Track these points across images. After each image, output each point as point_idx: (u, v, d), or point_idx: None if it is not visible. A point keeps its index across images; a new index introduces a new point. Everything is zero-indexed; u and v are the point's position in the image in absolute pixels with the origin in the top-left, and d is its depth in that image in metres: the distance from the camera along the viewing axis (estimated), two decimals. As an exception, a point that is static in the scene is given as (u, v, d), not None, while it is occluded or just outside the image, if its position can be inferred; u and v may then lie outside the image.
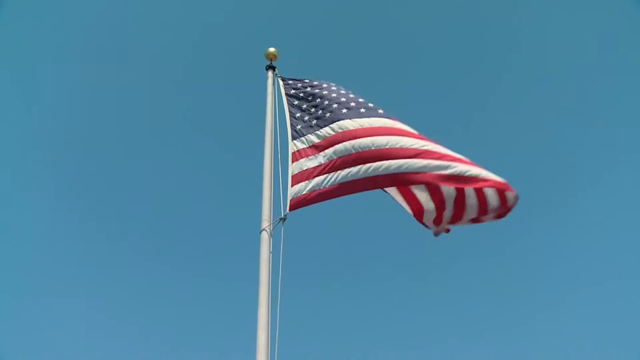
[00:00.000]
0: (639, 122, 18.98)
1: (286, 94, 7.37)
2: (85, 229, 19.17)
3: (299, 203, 6.15)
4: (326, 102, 6.97)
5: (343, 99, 6.93)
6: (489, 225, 6.35)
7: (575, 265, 19.15)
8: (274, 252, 5.89)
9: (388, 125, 6.42)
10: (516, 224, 20.59)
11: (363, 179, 6.14)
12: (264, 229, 5.99)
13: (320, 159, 6.45)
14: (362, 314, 18.46)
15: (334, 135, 6.55)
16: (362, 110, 6.70)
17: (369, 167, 6.13)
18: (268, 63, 7.73)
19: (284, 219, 6.04)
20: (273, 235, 6.00)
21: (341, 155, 6.35)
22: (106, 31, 20.46)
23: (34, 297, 16.72)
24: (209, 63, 22.22)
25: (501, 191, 5.83)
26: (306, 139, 6.72)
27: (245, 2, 22.34)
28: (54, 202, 19.26)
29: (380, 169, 6.08)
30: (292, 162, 6.52)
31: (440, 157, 5.94)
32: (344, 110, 6.73)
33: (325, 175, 6.30)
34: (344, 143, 6.38)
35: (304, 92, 7.32)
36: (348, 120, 6.57)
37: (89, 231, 19.23)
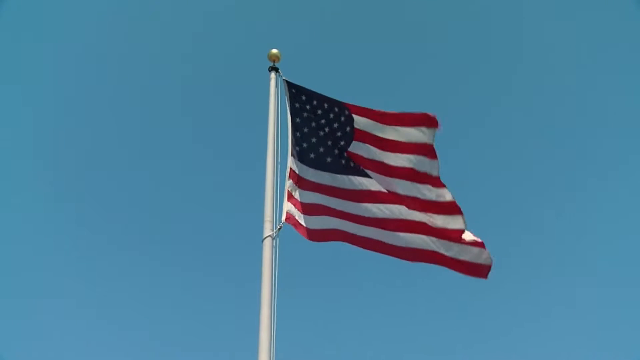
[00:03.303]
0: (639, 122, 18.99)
1: (291, 103, 7.37)
2: (85, 231, 19.20)
3: (291, 221, 6.51)
4: (328, 142, 7.17)
5: (336, 138, 7.16)
6: (486, 230, 6.79)
7: (572, 268, 19.20)
8: (275, 255, 5.95)
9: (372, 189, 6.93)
10: (513, 229, 20.69)
11: (358, 236, 6.81)
12: (266, 233, 6.04)
13: (312, 197, 6.88)
14: (362, 316, 18.49)
15: (326, 185, 6.97)
16: (352, 164, 7.04)
17: (361, 228, 6.79)
18: (271, 64, 7.68)
19: (280, 228, 6.20)
20: (274, 238, 6.06)
21: (332, 206, 6.85)
22: (107, 32, 20.44)
23: (35, 297, 16.73)
24: (211, 65, 22.21)
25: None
26: (304, 168, 7.00)
27: (248, 2, 22.32)
28: (56, 204, 19.26)
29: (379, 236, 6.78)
30: (289, 178, 6.77)
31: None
32: (328, 159, 7.09)
33: (321, 216, 6.81)
34: (332, 198, 6.89)
35: (308, 112, 7.33)
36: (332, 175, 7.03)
37: (91, 234, 19.27)
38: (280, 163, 6.80)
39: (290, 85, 7.49)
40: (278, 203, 6.46)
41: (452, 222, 6.51)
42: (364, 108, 6.99)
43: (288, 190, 6.68)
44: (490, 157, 22.00)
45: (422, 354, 17.30)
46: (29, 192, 18.74)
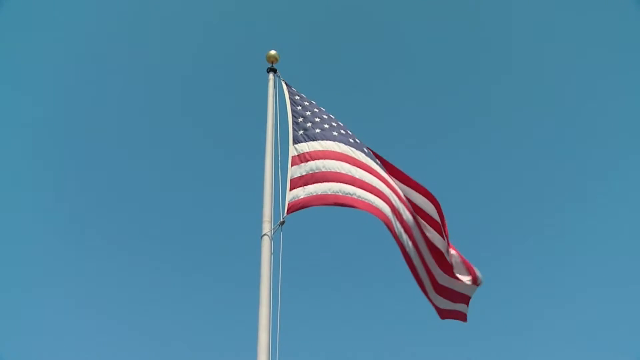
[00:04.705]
0: (639, 122, 19.02)
1: (290, 98, 7.39)
2: (86, 230, 19.23)
3: (295, 206, 6.25)
4: (325, 120, 7.24)
5: (334, 124, 7.30)
6: (487, 231, 6.86)
7: (572, 269, 19.22)
8: (274, 254, 5.93)
9: (371, 166, 7.00)
10: (513, 230, 20.71)
11: (358, 200, 6.54)
12: (265, 232, 6.03)
13: (312, 167, 6.62)
14: (362, 315, 18.51)
15: (329, 151, 6.83)
16: (351, 140, 7.14)
17: (359, 192, 6.58)
18: (269, 66, 7.74)
19: (282, 223, 6.08)
20: (273, 237, 6.03)
21: (332, 170, 6.65)
22: (107, 32, 20.48)
23: (34, 297, 16.76)
24: (210, 66, 22.26)
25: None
26: (307, 145, 6.79)
27: (246, 4, 22.36)
28: (55, 202, 19.30)
29: (373, 202, 6.61)
30: (292, 165, 6.56)
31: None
32: (335, 133, 7.11)
33: (319, 184, 6.50)
34: (333, 161, 6.73)
35: (304, 106, 7.38)
36: (340, 144, 6.99)
37: (90, 232, 19.29)
38: (281, 162, 6.77)
39: (289, 85, 7.56)
40: (280, 201, 6.35)
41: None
42: (386, 161, 7.28)
43: (293, 178, 6.45)
44: (490, 157, 22.04)
45: (423, 352, 17.35)
46: (29, 191, 18.80)
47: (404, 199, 7.09)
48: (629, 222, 18.24)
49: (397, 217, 6.75)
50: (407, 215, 6.94)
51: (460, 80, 22.83)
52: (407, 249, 6.83)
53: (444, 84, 22.80)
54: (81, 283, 18.03)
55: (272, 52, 7.77)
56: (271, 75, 7.63)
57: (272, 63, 7.74)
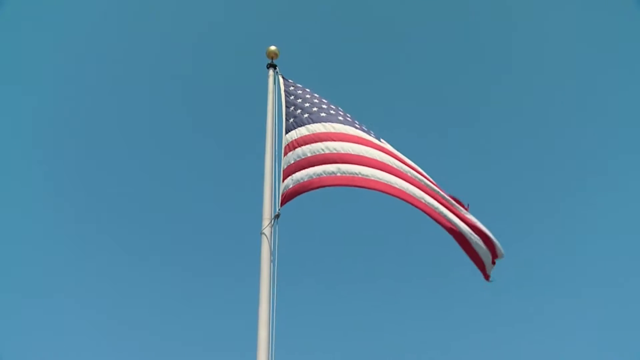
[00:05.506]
0: (638, 122, 19.02)
1: (285, 90, 7.38)
2: (85, 229, 19.21)
3: (286, 197, 6.28)
4: (315, 103, 7.21)
5: (324, 106, 7.23)
6: (488, 229, 6.60)
7: (574, 268, 19.20)
8: (273, 250, 5.93)
9: (362, 136, 6.85)
10: (515, 227, 20.67)
11: (342, 176, 6.43)
12: (264, 228, 6.04)
13: (299, 153, 6.60)
14: (361, 311, 18.47)
15: (315, 134, 6.78)
16: (340, 118, 7.05)
17: (343, 167, 6.47)
18: (269, 61, 7.72)
19: (278, 216, 6.11)
20: (274, 233, 6.03)
21: (316, 153, 6.59)
22: (107, 30, 20.50)
23: (34, 297, 16.73)
24: (210, 62, 22.26)
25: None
26: (296, 132, 6.81)
27: (247, 1, 22.38)
28: (55, 202, 19.28)
29: (359, 173, 6.44)
30: (284, 156, 6.62)
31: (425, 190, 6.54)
32: (323, 114, 7.04)
33: (306, 170, 6.48)
34: (318, 143, 6.66)
35: (296, 94, 7.36)
36: (325, 124, 6.92)
37: (89, 231, 19.26)
38: (277, 163, 6.74)
39: (285, 79, 7.54)
40: (277, 197, 6.36)
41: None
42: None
43: (285, 168, 6.50)
44: (490, 156, 22.04)
45: (420, 349, 17.32)
46: (29, 192, 18.79)
47: (408, 162, 6.86)
48: (629, 221, 18.24)
49: (400, 177, 6.55)
50: (414, 174, 6.68)
51: (459, 79, 22.85)
52: (426, 203, 6.44)
53: (443, 82, 22.82)
54: (81, 283, 18.01)
55: (272, 47, 7.73)
56: (271, 72, 7.61)
57: (272, 59, 7.70)
